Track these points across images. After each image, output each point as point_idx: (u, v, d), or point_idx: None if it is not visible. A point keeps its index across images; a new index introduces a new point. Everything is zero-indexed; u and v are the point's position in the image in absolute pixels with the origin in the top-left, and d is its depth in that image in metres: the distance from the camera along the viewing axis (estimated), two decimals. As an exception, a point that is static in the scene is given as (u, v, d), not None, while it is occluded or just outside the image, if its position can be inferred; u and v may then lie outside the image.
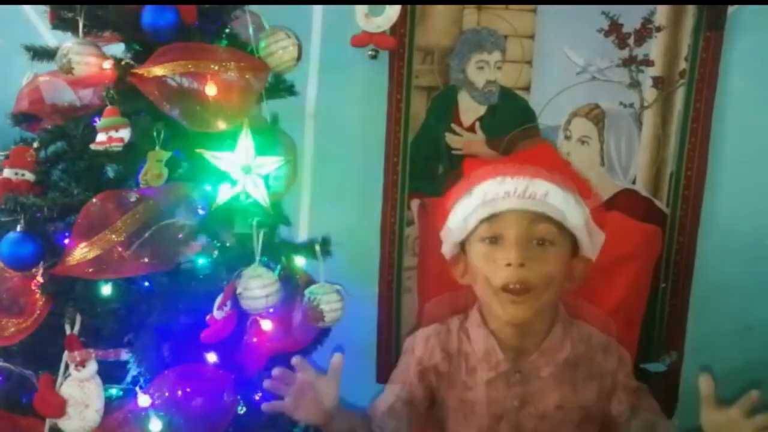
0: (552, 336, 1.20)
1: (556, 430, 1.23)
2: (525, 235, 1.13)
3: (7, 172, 1.26)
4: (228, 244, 1.32)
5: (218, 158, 1.24)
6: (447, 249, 1.24)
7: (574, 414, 1.23)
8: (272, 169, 1.30)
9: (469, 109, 1.67)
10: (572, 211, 1.16)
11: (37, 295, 1.19)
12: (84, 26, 1.25)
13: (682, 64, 1.57)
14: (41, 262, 1.17)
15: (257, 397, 1.38)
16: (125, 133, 1.19)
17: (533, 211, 1.13)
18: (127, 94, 1.22)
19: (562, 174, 1.20)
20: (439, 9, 1.63)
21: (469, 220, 1.17)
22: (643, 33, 1.58)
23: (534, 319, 1.17)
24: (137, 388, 1.22)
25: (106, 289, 1.21)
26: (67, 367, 1.20)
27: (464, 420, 1.25)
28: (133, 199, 1.19)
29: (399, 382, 1.30)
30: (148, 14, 1.20)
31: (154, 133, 1.21)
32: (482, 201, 1.16)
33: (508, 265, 1.11)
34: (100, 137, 1.19)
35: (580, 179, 1.25)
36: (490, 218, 1.14)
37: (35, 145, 1.28)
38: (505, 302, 1.13)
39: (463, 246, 1.22)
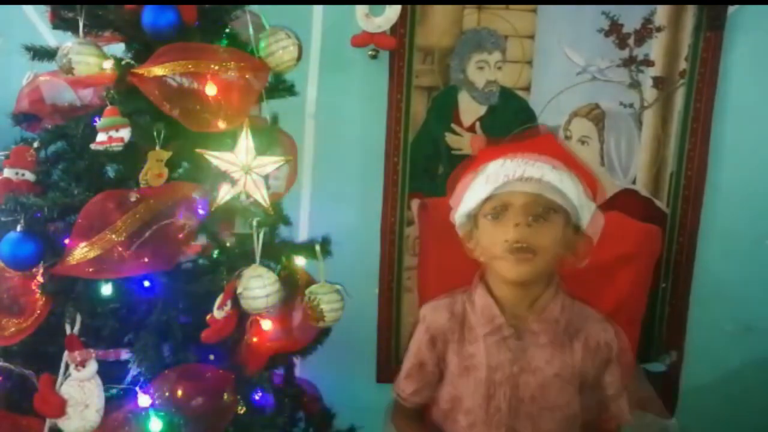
0: (546, 297, 1.27)
1: (554, 397, 1.27)
2: (530, 205, 1.20)
3: (8, 172, 1.26)
4: (228, 244, 1.32)
5: (218, 158, 1.24)
6: (459, 224, 1.31)
7: (571, 383, 1.27)
8: (272, 169, 1.29)
9: (470, 109, 1.67)
10: (566, 187, 1.22)
11: (37, 295, 1.19)
12: (84, 26, 1.25)
13: (682, 64, 1.57)
14: (41, 262, 1.17)
15: (257, 397, 1.38)
16: (125, 133, 1.19)
17: (530, 193, 1.20)
18: (127, 94, 1.22)
19: (561, 156, 1.25)
20: (440, 9, 1.63)
21: (474, 199, 1.24)
22: (643, 33, 1.58)
23: (534, 283, 1.25)
24: (137, 388, 1.22)
25: (106, 289, 1.22)
26: (67, 367, 1.20)
27: (465, 385, 1.29)
28: (133, 199, 1.19)
29: (413, 350, 1.35)
30: (149, 14, 1.20)
31: (154, 133, 1.21)
32: (485, 182, 1.23)
33: (517, 225, 1.19)
34: (101, 137, 1.19)
35: (578, 163, 1.28)
36: (492, 198, 1.22)
37: (35, 145, 1.28)
38: (512, 262, 1.20)
39: (474, 222, 1.28)
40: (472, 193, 1.26)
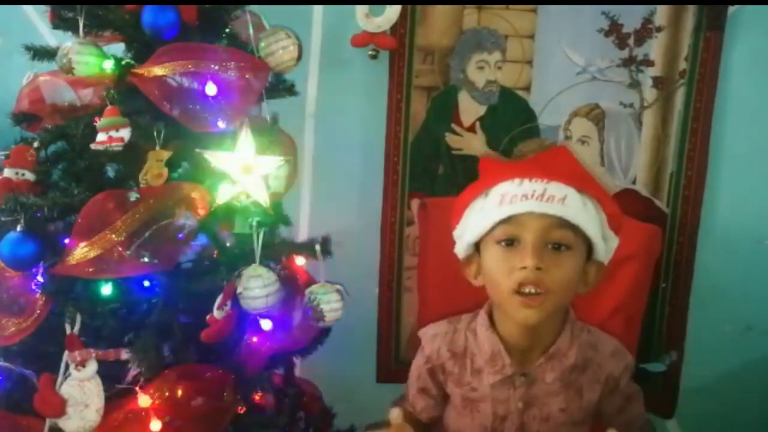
0: (559, 341, 1.20)
1: (558, 430, 1.24)
2: (541, 239, 1.11)
3: (8, 172, 1.26)
4: (228, 244, 1.32)
5: (218, 158, 1.24)
6: (460, 249, 1.23)
7: (576, 415, 1.24)
8: (272, 169, 1.30)
9: (470, 109, 1.67)
10: (589, 216, 1.14)
11: (37, 295, 1.19)
12: (84, 26, 1.25)
13: (682, 64, 1.57)
14: (41, 262, 1.17)
15: (257, 397, 1.38)
16: (125, 133, 1.19)
17: (551, 215, 1.11)
18: (127, 93, 1.22)
19: (580, 178, 1.19)
20: (440, 9, 1.63)
21: (486, 221, 1.15)
22: (643, 33, 1.58)
23: (544, 322, 1.16)
24: (137, 388, 1.22)
25: (106, 289, 1.22)
26: (67, 366, 1.20)
27: (469, 418, 1.26)
28: (133, 199, 1.19)
29: (415, 375, 1.33)
30: (149, 14, 1.20)
31: (154, 133, 1.21)
32: (500, 202, 1.14)
33: (524, 268, 1.10)
34: (101, 137, 1.19)
35: (598, 184, 1.23)
36: (507, 220, 1.13)
37: (35, 144, 1.28)
38: (519, 304, 1.12)
39: (476, 246, 1.21)
40: (482, 215, 1.16)
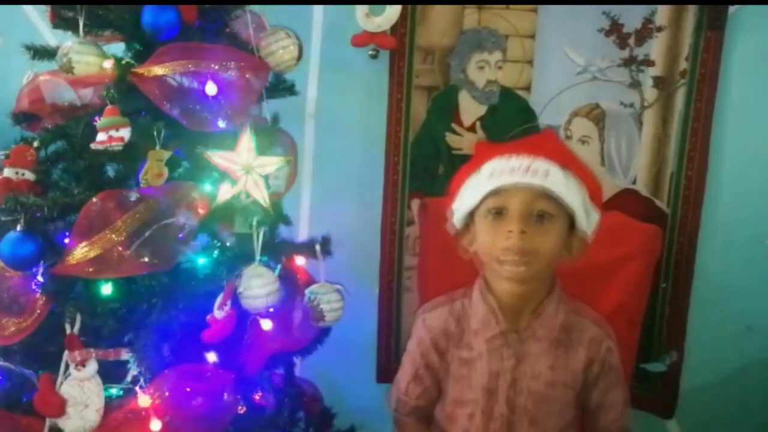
0: (547, 302, 1.28)
1: (553, 397, 1.29)
2: (527, 209, 1.21)
3: (8, 172, 1.26)
4: (228, 244, 1.32)
5: (218, 158, 1.24)
6: (456, 221, 1.31)
7: (564, 375, 1.29)
8: (272, 169, 1.29)
9: (470, 109, 1.67)
10: (571, 190, 1.23)
11: (37, 295, 1.19)
12: (84, 26, 1.25)
13: (683, 64, 1.57)
14: (41, 262, 1.17)
15: (257, 397, 1.38)
16: (125, 133, 1.19)
17: (535, 185, 1.20)
18: (127, 93, 1.22)
19: (563, 156, 1.26)
20: (440, 9, 1.63)
21: (477, 192, 1.24)
22: (644, 33, 1.58)
23: (532, 286, 1.26)
24: (137, 388, 1.22)
25: (106, 289, 1.22)
26: (67, 366, 1.20)
27: (466, 381, 1.31)
28: (133, 199, 1.19)
29: (416, 353, 1.35)
30: (149, 14, 1.20)
31: (154, 133, 1.21)
32: (489, 176, 1.24)
33: (510, 232, 1.20)
34: (101, 136, 1.19)
35: (580, 162, 1.29)
36: (497, 192, 1.22)
37: (35, 144, 1.28)
38: (508, 263, 1.22)
39: (471, 217, 1.29)
40: (474, 189, 1.25)
